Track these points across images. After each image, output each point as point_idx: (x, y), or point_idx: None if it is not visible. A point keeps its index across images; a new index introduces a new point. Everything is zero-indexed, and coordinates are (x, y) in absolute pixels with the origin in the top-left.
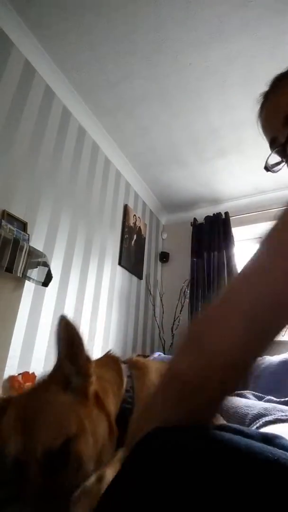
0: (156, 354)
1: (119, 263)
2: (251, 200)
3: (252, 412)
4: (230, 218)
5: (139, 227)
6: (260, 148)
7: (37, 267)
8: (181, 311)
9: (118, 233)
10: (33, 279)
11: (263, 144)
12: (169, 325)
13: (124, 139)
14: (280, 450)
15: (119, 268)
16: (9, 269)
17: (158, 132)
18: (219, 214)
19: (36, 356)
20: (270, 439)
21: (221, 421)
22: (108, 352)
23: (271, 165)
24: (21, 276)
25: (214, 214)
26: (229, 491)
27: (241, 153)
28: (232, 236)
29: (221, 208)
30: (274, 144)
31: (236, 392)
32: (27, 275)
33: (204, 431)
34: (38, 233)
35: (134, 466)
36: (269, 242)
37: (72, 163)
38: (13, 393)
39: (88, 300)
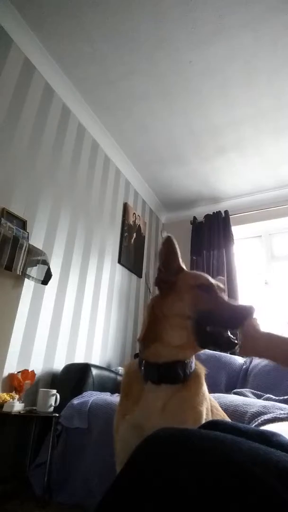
0: None
1: (119, 261)
2: (251, 198)
3: (251, 410)
4: (230, 216)
5: (139, 225)
6: (260, 146)
7: (36, 265)
8: None
9: (117, 231)
10: (33, 277)
11: (263, 142)
12: None
13: (124, 137)
14: (283, 453)
15: (118, 266)
16: (9, 267)
17: (158, 130)
18: (219, 212)
19: (35, 353)
20: (268, 437)
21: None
22: None
23: None
24: (20, 274)
25: (214, 212)
26: (231, 493)
27: (241, 151)
28: (232, 234)
29: (221, 207)
30: None
31: (235, 390)
32: (27, 273)
33: (207, 433)
34: (37, 231)
35: (136, 468)
36: None
37: (71, 161)
38: (12, 391)
39: (88, 298)
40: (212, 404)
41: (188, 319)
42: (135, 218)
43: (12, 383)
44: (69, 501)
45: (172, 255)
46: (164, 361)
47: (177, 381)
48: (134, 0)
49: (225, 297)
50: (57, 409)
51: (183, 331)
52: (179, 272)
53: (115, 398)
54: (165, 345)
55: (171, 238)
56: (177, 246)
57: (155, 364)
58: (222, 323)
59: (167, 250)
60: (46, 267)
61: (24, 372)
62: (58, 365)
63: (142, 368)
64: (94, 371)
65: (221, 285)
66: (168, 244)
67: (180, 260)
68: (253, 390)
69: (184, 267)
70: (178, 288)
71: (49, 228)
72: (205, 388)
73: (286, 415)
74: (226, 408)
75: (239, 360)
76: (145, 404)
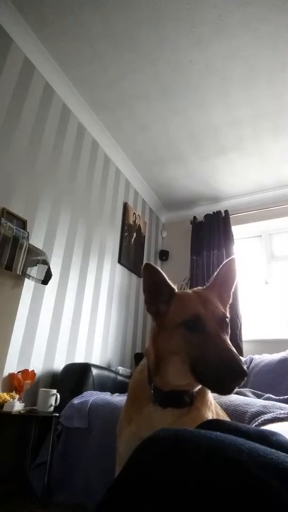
0: None
1: (119, 261)
2: (251, 198)
3: (251, 410)
4: (230, 216)
5: (139, 225)
6: (260, 146)
7: (36, 265)
8: None
9: (117, 231)
10: (33, 277)
11: (263, 142)
12: None
13: (124, 137)
14: (283, 453)
15: (118, 266)
16: (9, 266)
17: (158, 130)
18: (219, 212)
19: (35, 353)
20: (268, 437)
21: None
22: None
23: None
24: (20, 274)
25: (214, 212)
26: (231, 493)
27: (241, 151)
28: (232, 234)
29: (221, 206)
30: None
31: (235, 390)
32: (27, 273)
33: (207, 433)
34: (37, 231)
35: (136, 468)
36: None
37: (71, 160)
38: (12, 391)
39: (88, 298)
40: (218, 413)
41: (185, 363)
42: (135, 218)
43: (12, 383)
44: (69, 501)
45: (157, 281)
46: (171, 390)
47: (183, 406)
48: (134, 0)
49: (222, 330)
50: (57, 409)
51: (184, 372)
52: (171, 297)
53: (115, 398)
54: (167, 382)
55: (150, 264)
56: (160, 270)
57: (161, 391)
58: (214, 375)
59: (149, 278)
60: (46, 267)
61: (24, 372)
62: (58, 365)
63: (152, 391)
64: (94, 371)
65: (218, 311)
66: (148, 272)
67: (170, 282)
68: (253, 390)
69: (175, 289)
70: (167, 323)
71: (49, 228)
72: (211, 402)
73: (286, 415)
74: (226, 408)
75: None
76: (151, 421)
